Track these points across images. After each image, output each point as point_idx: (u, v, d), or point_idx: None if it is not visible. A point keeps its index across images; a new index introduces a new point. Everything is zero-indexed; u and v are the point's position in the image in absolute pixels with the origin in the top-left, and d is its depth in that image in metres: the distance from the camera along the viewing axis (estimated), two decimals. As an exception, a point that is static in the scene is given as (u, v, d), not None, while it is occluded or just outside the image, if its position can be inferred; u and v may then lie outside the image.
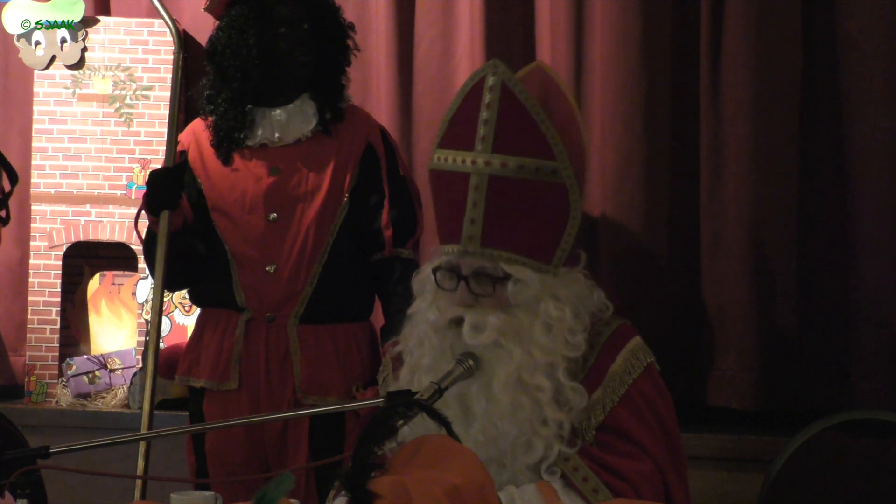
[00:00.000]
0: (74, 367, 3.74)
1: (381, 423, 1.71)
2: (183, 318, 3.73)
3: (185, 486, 3.05)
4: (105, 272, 3.90)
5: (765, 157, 3.32)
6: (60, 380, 3.75)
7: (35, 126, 3.77)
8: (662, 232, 3.43)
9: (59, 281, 3.77)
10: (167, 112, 3.27)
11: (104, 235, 3.77)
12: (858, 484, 2.73)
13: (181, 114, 3.52)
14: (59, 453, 1.91)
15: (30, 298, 3.78)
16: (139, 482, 2.93)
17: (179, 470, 3.22)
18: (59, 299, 3.77)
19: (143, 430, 2.92)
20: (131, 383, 3.70)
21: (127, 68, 3.76)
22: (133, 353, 3.76)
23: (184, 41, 3.73)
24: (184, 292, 3.47)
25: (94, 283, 3.90)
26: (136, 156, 3.75)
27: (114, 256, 3.87)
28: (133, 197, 3.70)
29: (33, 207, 3.76)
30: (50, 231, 3.76)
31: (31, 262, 3.77)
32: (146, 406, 2.95)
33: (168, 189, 2.92)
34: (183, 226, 2.96)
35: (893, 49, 3.24)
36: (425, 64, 3.62)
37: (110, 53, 3.77)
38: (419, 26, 3.63)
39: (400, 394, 1.96)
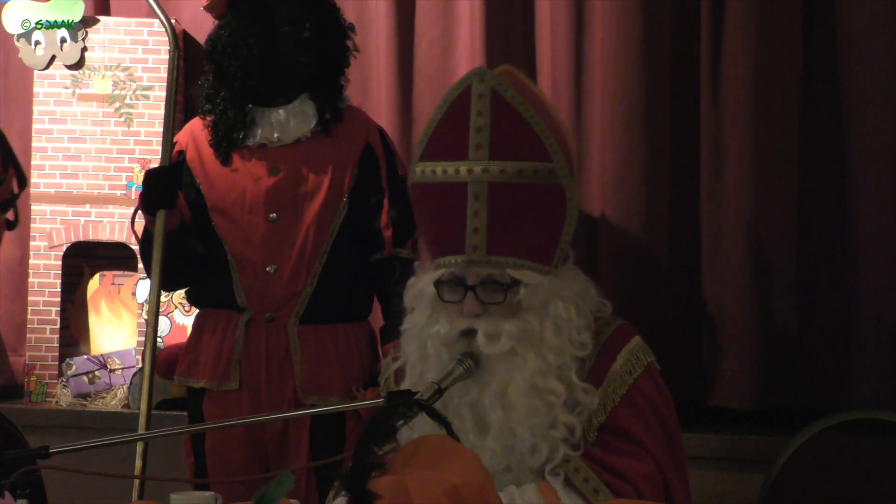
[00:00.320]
0: (74, 367, 3.74)
1: (382, 424, 1.70)
2: (183, 318, 3.73)
3: (184, 486, 3.05)
4: (105, 272, 3.90)
5: (765, 157, 3.32)
6: (60, 380, 3.75)
7: (35, 126, 3.77)
8: (662, 232, 3.43)
9: (58, 281, 3.77)
10: (167, 112, 3.28)
11: (104, 235, 3.77)
12: (858, 484, 2.73)
13: (180, 113, 3.52)
14: (59, 453, 1.91)
15: (30, 298, 3.78)
16: (137, 482, 2.93)
17: (179, 470, 3.21)
18: (59, 299, 3.77)
19: (141, 431, 2.92)
20: (131, 383, 3.70)
21: (127, 68, 3.76)
22: (133, 353, 3.76)
23: (183, 41, 3.74)
24: (183, 292, 3.47)
25: (93, 283, 3.90)
26: (136, 156, 3.76)
27: (114, 256, 3.87)
28: (133, 197, 3.70)
29: (33, 207, 3.77)
30: (50, 231, 3.76)
31: (31, 262, 3.77)
32: (144, 406, 2.94)
33: (165, 188, 2.92)
34: (180, 225, 2.96)
35: (893, 49, 3.24)
36: (425, 64, 3.63)
37: (110, 53, 3.77)
38: (419, 26, 3.63)
39: (400, 394, 1.96)
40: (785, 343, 3.34)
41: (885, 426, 2.81)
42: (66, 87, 3.77)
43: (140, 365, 3.66)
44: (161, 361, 3.49)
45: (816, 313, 3.36)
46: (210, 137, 3.01)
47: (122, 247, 3.79)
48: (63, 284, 3.78)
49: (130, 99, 3.76)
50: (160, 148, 3.06)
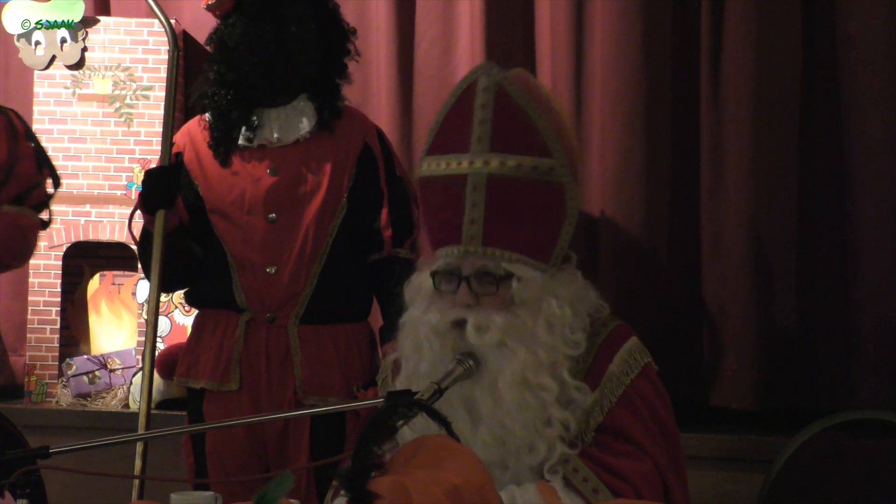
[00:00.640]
0: (74, 367, 3.74)
1: (381, 424, 1.70)
2: (183, 318, 3.73)
3: (184, 486, 3.05)
4: (105, 272, 3.90)
5: (765, 158, 3.32)
6: (60, 380, 3.75)
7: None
8: (662, 232, 3.43)
9: (59, 281, 3.77)
10: (167, 112, 3.28)
11: (104, 235, 3.77)
12: (858, 484, 2.73)
13: (180, 113, 3.52)
14: (59, 453, 1.91)
15: (30, 298, 3.78)
16: (137, 482, 2.93)
17: (179, 470, 3.21)
18: (59, 299, 3.77)
19: (141, 431, 2.92)
20: (131, 383, 3.70)
21: (127, 68, 3.76)
22: (133, 353, 3.76)
23: (183, 41, 3.74)
24: (182, 292, 3.47)
25: (94, 283, 3.90)
26: (136, 156, 3.75)
27: (114, 256, 3.87)
28: (133, 197, 3.69)
29: (33, 207, 3.76)
30: (50, 231, 3.75)
31: (31, 261, 3.77)
32: (143, 406, 2.95)
33: (164, 188, 2.92)
34: (178, 226, 2.96)
35: (893, 49, 3.24)
36: (425, 64, 3.62)
37: (110, 53, 3.77)
38: (419, 26, 3.63)
39: (400, 394, 1.96)
40: (785, 343, 3.34)
41: (885, 426, 2.81)
42: (67, 88, 3.77)
43: (140, 365, 3.66)
44: (161, 361, 3.50)
45: (816, 313, 3.36)
46: (208, 138, 3.01)
47: (122, 247, 3.79)
48: (63, 284, 3.78)
49: (130, 99, 3.76)
50: (160, 148, 3.06)
